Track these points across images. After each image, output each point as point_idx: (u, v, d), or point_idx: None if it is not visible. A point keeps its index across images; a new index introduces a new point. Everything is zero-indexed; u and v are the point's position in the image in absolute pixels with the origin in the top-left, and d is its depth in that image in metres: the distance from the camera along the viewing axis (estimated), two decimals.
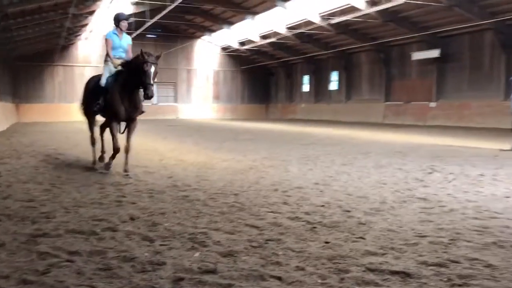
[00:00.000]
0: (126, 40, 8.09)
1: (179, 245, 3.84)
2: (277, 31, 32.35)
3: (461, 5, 21.33)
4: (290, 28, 31.34)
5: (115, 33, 7.98)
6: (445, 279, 3.14)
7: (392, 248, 3.79)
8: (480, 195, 6.01)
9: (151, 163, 9.12)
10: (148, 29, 30.17)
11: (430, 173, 7.93)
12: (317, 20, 28.16)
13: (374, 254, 3.65)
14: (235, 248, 3.76)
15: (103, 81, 7.80)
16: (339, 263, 3.42)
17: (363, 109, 31.40)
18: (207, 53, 41.40)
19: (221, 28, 35.37)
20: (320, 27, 29.10)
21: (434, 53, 25.10)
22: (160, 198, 5.75)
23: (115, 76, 7.67)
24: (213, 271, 3.25)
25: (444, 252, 3.69)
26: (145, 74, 7.10)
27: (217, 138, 16.43)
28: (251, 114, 42.59)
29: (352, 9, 25.14)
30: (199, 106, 41.25)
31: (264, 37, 34.81)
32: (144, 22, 28.21)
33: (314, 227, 4.41)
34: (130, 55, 7.99)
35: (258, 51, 38.84)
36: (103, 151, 8.62)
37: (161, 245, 3.84)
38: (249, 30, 34.53)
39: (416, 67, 27.64)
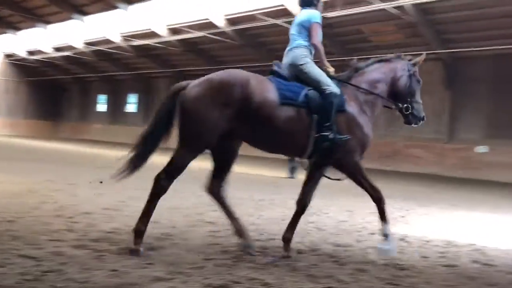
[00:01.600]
0: None
1: None
2: (73, 45, 30.46)
3: (252, 45, 23.66)
4: (88, 43, 29.88)
5: None
6: None
7: (180, 273, 3.84)
8: (261, 218, 6.62)
9: None
10: None
11: None
12: (117, 39, 27.57)
13: (162, 279, 3.63)
14: (5, 283, 3.27)
15: (332, 87, 4.49)
16: None
17: None
18: None
19: (4, 33, 31.54)
20: (120, 47, 28.51)
21: None
22: None
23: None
24: None
25: (228, 274, 3.91)
26: (419, 85, 4.90)
27: None
28: (37, 132, 38.66)
29: (153, 34, 25.44)
30: None
31: (57, 49, 32.33)
32: None
33: (102, 255, 4.17)
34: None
35: (49, 63, 35.80)
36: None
37: None
38: (40, 40, 31.66)
39: None
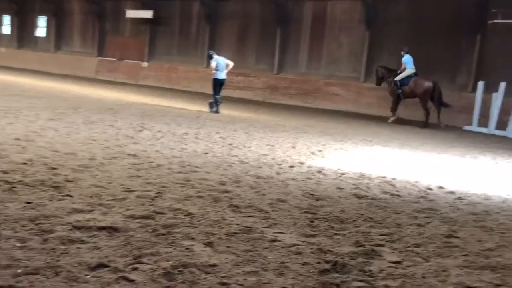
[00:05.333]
0: None
1: None
2: None
3: None
4: None
5: None
6: (151, 230, 3.31)
7: (100, 204, 3.76)
8: (184, 152, 6.58)
9: None
10: None
11: (140, 130, 8.19)
12: None
13: (81, 211, 3.53)
14: None
15: None
16: (43, 224, 3.18)
17: (74, 62, 29.66)
18: None
19: None
20: None
21: (148, 13, 25.64)
22: None
23: None
24: None
25: (151, 205, 3.89)
26: None
27: None
28: None
29: None
30: None
31: None
32: None
33: (14, 187, 3.95)
34: None
35: None
36: None
37: None
38: None
39: (130, 25, 27.70)
